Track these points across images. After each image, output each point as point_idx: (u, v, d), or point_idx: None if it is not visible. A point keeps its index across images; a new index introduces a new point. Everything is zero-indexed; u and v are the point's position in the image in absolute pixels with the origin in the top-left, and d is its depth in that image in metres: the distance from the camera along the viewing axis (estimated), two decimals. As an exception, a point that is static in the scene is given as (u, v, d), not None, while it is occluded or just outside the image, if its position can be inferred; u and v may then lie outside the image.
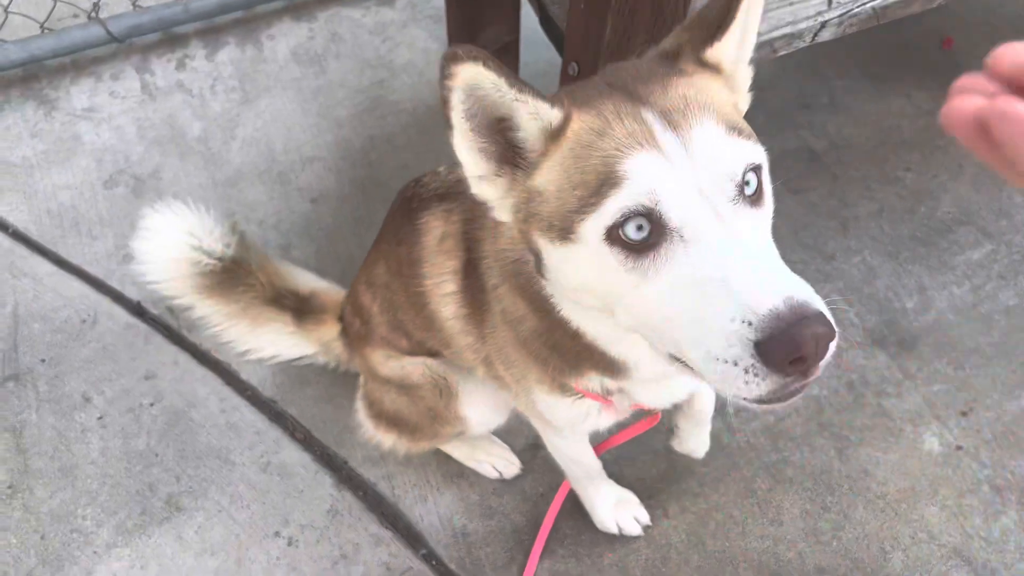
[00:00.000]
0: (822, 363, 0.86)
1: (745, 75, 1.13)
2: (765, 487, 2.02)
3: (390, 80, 2.82)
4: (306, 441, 2.10)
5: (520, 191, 1.03)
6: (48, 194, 2.53)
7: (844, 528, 1.96)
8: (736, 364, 0.85)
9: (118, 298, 2.32)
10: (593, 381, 1.34)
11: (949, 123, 0.68)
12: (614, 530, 1.94)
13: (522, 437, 2.08)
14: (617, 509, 1.95)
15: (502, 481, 2.03)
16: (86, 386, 2.18)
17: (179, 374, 2.19)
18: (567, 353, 1.25)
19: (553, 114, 0.98)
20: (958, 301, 2.30)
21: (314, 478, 2.05)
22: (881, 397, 2.15)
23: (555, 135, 0.99)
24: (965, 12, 2.93)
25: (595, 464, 1.83)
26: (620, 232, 0.91)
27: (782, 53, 1.71)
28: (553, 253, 1.01)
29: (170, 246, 1.93)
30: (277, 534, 1.97)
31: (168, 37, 2.91)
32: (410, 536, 1.97)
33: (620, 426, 1.69)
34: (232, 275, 1.99)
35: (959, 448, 2.07)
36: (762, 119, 2.66)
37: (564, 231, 0.96)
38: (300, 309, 2.06)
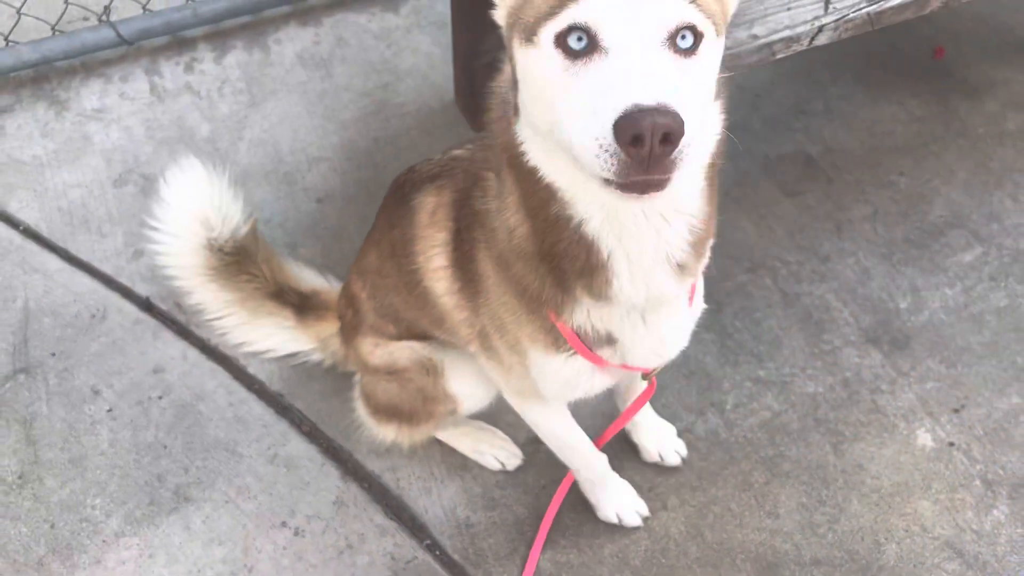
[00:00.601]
0: (669, 161, 0.99)
1: None
2: (762, 481, 2.06)
3: (395, 84, 2.87)
4: (312, 434, 2.14)
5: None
6: (59, 192, 2.57)
7: (839, 521, 2.00)
8: (597, 140, 0.99)
9: (127, 294, 2.36)
10: (581, 312, 1.37)
11: None
12: (614, 520, 1.98)
13: (523, 430, 2.12)
14: (618, 501, 1.99)
15: (504, 473, 2.07)
16: (95, 379, 2.22)
17: (187, 368, 2.23)
18: (553, 255, 1.30)
19: None
20: (950, 302, 2.36)
21: (320, 470, 2.08)
22: (875, 394, 2.20)
23: None
24: (956, 23, 3.01)
25: (587, 443, 1.86)
26: (566, 39, 1.05)
27: (780, 56, 1.77)
28: (522, 60, 1.13)
29: (190, 206, 2.00)
30: (284, 524, 2.01)
31: (177, 40, 2.96)
32: (414, 527, 2.01)
33: (605, 423, 1.73)
34: (237, 262, 2.05)
35: (951, 444, 2.12)
36: (759, 124, 2.74)
37: (530, 33, 1.09)
38: (301, 306, 2.12)
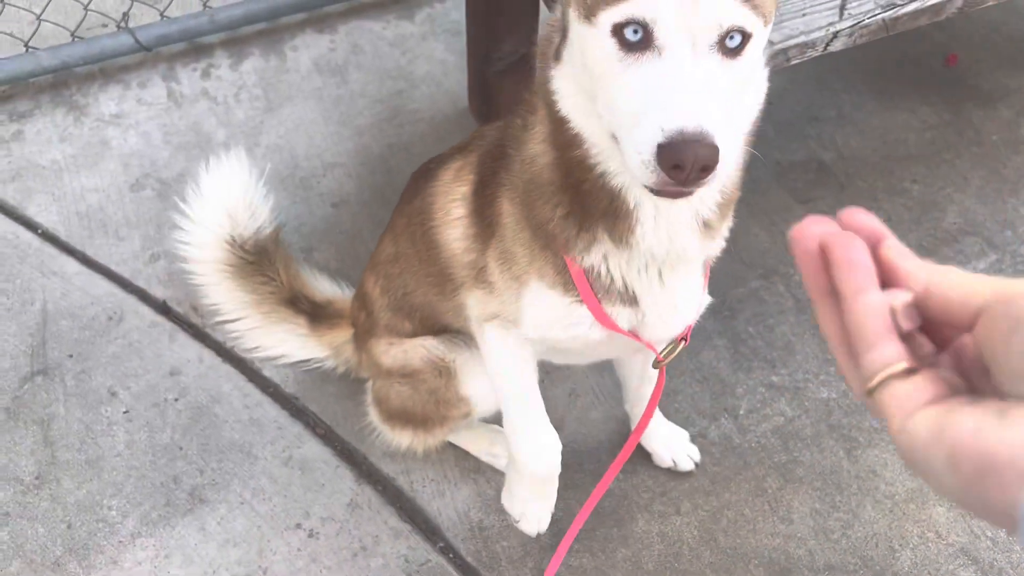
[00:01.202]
0: (702, 182, 1.08)
1: None
2: (775, 486, 2.06)
3: (409, 91, 2.89)
4: (327, 436, 2.15)
5: None
6: (77, 196, 2.60)
7: (853, 527, 2.00)
8: (639, 154, 1.07)
9: (144, 297, 2.38)
10: (597, 253, 1.38)
11: (796, 238, 0.69)
12: (515, 513, 1.83)
13: (538, 435, 2.12)
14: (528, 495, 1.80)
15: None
16: (112, 381, 2.24)
17: (203, 370, 2.25)
18: (574, 191, 1.34)
19: None
20: (964, 308, 2.36)
21: (335, 472, 2.09)
22: (889, 400, 2.19)
23: None
24: (969, 30, 3.01)
25: (534, 390, 1.69)
26: (623, 30, 1.11)
27: (795, 62, 1.78)
28: (577, 28, 1.18)
29: (223, 197, 2.07)
30: (298, 526, 2.02)
31: (194, 47, 2.99)
32: (428, 530, 2.02)
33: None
34: (256, 263, 2.09)
35: (965, 450, 2.11)
36: (771, 131, 2.74)
37: (590, 11, 1.14)
38: (314, 314, 2.14)
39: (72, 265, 2.44)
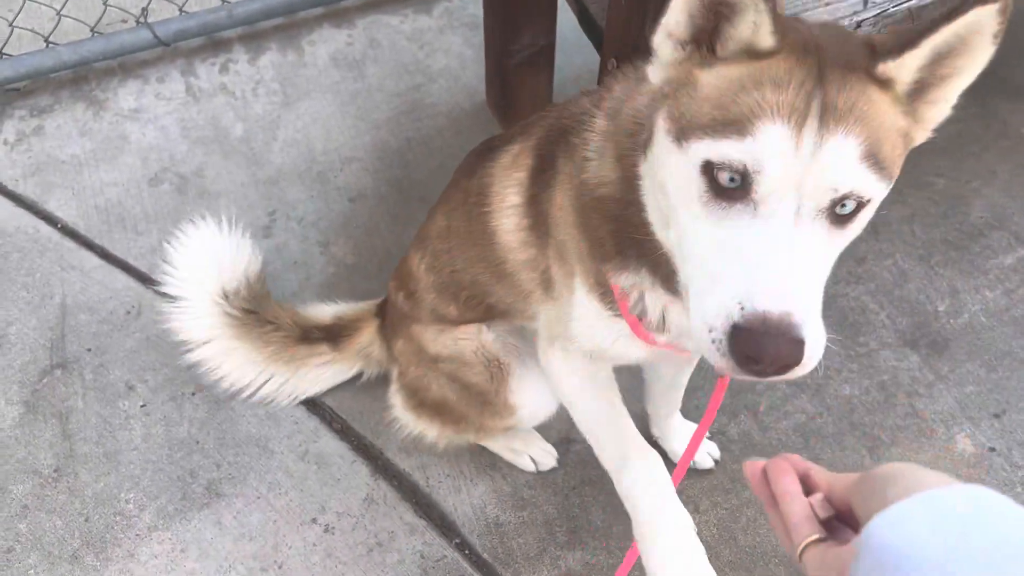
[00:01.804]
0: (781, 377, 0.94)
1: (936, 116, 1.08)
2: (796, 484, 2.03)
3: (427, 85, 2.88)
4: (343, 431, 2.15)
5: (685, 70, 1.06)
6: (96, 191, 2.60)
7: (876, 526, 1.96)
8: (711, 331, 0.94)
9: (162, 291, 2.38)
10: (634, 279, 1.28)
11: (748, 470, 1.02)
12: None
13: (555, 431, 2.11)
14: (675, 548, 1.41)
15: (535, 474, 2.06)
16: (130, 375, 2.24)
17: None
18: (626, 230, 1.23)
19: (768, 39, 1.00)
20: (991, 304, 2.31)
21: (350, 467, 2.09)
22: (913, 398, 2.16)
23: (754, 55, 1.01)
24: (998, 21, 2.95)
25: (617, 407, 1.52)
26: (716, 171, 0.97)
27: (817, 52, 1.74)
28: (663, 142, 1.05)
29: (200, 260, 2.03)
30: (314, 521, 2.01)
31: (212, 41, 2.99)
32: (444, 525, 2.01)
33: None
34: (256, 314, 2.04)
35: (992, 449, 2.07)
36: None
37: (682, 133, 1.01)
38: (332, 336, 2.09)
39: (91, 259, 2.45)
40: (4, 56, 2.82)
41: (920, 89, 1.04)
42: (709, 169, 0.97)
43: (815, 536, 0.85)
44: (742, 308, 0.91)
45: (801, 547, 0.85)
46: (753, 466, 1.00)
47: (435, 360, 1.82)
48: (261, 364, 2.07)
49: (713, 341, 0.93)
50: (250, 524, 2.01)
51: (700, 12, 1.03)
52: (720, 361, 0.94)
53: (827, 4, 1.74)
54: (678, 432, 2.03)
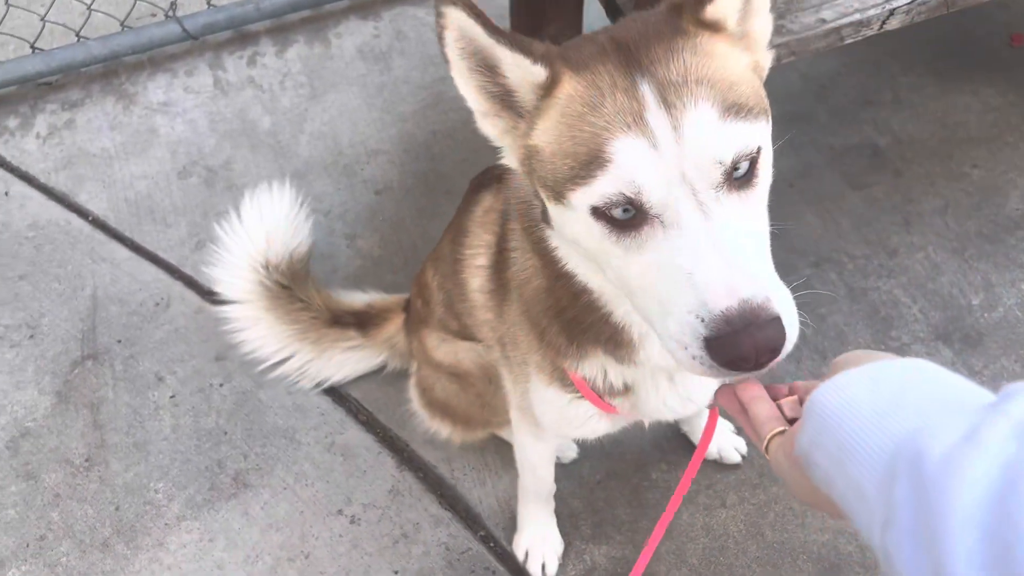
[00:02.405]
0: (771, 363, 0.90)
1: (762, 28, 1.07)
2: (825, 480, 2.00)
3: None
4: (369, 423, 2.15)
5: (522, 146, 1.05)
6: (126, 184, 2.63)
7: (906, 523, 1.93)
8: (687, 348, 0.91)
9: (190, 283, 2.41)
10: (594, 366, 1.28)
11: (720, 395, 1.09)
12: (520, 556, 1.93)
13: (580, 424, 2.10)
14: (537, 542, 1.92)
15: (560, 466, 2.05)
16: (159, 366, 2.27)
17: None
18: (571, 319, 1.22)
19: (536, 71, 1.00)
20: (1027, 298, 2.26)
21: (376, 459, 2.09)
22: (945, 393, 2.12)
23: (545, 92, 1.01)
24: (1035, 8, 2.88)
25: (549, 483, 1.84)
26: (607, 212, 0.94)
27: (849, 41, 1.71)
28: (550, 209, 1.04)
29: (260, 223, 2.07)
30: (340, 512, 2.02)
31: (240, 35, 3.01)
32: (469, 518, 2.01)
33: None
34: (290, 291, 2.07)
35: (1027, 446, 2.03)
36: (824, 115, 2.66)
37: (558, 195, 0.99)
38: (362, 322, 2.11)
39: (121, 251, 2.48)
40: (36, 51, 2.86)
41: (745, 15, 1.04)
42: (600, 212, 0.94)
43: (779, 429, 0.89)
44: (702, 320, 0.88)
45: (767, 440, 0.89)
46: (725, 391, 1.07)
47: (438, 366, 1.86)
48: (285, 339, 2.10)
49: (694, 357, 0.90)
50: (277, 515, 2.02)
51: (486, 80, 1.04)
52: (709, 372, 0.92)
53: (859, -8, 1.71)
54: (703, 425, 2.01)
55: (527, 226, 1.21)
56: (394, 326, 2.09)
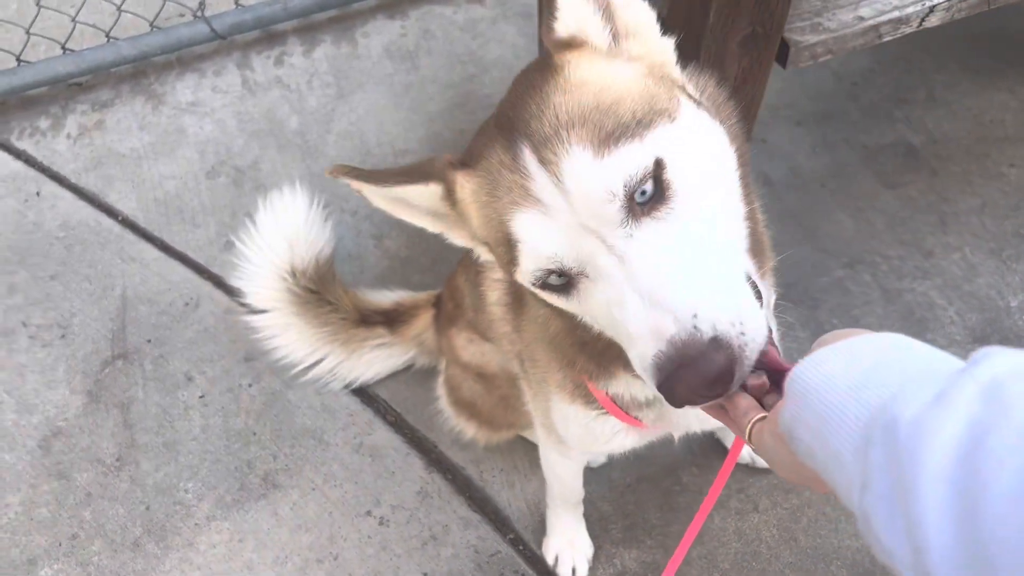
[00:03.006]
0: (731, 385, 0.85)
1: (636, 19, 1.01)
2: (860, 485, 1.97)
3: (480, 76, 2.86)
4: (397, 424, 2.15)
5: (479, 244, 1.09)
6: (155, 183, 2.64)
7: (943, 529, 1.90)
8: (653, 386, 0.86)
9: (219, 283, 2.41)
10: (621, 383, 1.26)
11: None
12: (550, 560, 1.92)
13: (610, 427, 2.08)
14: (567, 547, 1.91)
15: (590, 470, 2.03)
16: (188, 366, 2.27)
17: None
18: (594, 350, 1.20)
19: (431, 190, 1.04)
20: (1067, 300, 2.22)
21: (404, 460, 2.09)
22: (983, 397, 2.08)
23: (452, 200, 1.04)
24: (1074, 4, 2.82)
25: (578, 491, 1.83)
26: (543, 282, 0.95)
27: (887, 38, 1.68)
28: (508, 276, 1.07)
29: (281, 228, 2.06)
30: (369, 513, 2.02)
31: (267, 34, 3.01)
32: (498, 520, 2.00)
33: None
34: (318, 293, 2.07)
35: (1067, 451, 1.98)
36: (857, 114, 2.62)
37: (507, 270, 1.00)
38: (390, 320, 2.12)
39: (150, 251, 2.49)
40: (67, 51, 2.88)
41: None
42: (539, 284, 0.95)
43: (759, 416, 0.88)
44: (652, 364, 0.84)
45: (748, 429, 0.88)
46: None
47: (466, 366, 1.86)
48: (315, 343, 2.10)
49: (661, 394, 0.86)
50: (306, 515, 2.02)
51: (418, 207, 1.09)
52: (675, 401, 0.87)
53: (899, -11, 1.68)
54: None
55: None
56: (422, 322, 2.09)
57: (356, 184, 1.06)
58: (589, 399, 1.33)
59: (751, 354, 0.84)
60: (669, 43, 1.03)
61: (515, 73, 2.83)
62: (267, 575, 1.95)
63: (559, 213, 0.89)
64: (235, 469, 2.10)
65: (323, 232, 2.12)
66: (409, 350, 2.14)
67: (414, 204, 1.08)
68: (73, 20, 2.90)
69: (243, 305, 2.14)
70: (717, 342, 0.81)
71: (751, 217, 1.01)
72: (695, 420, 1.35)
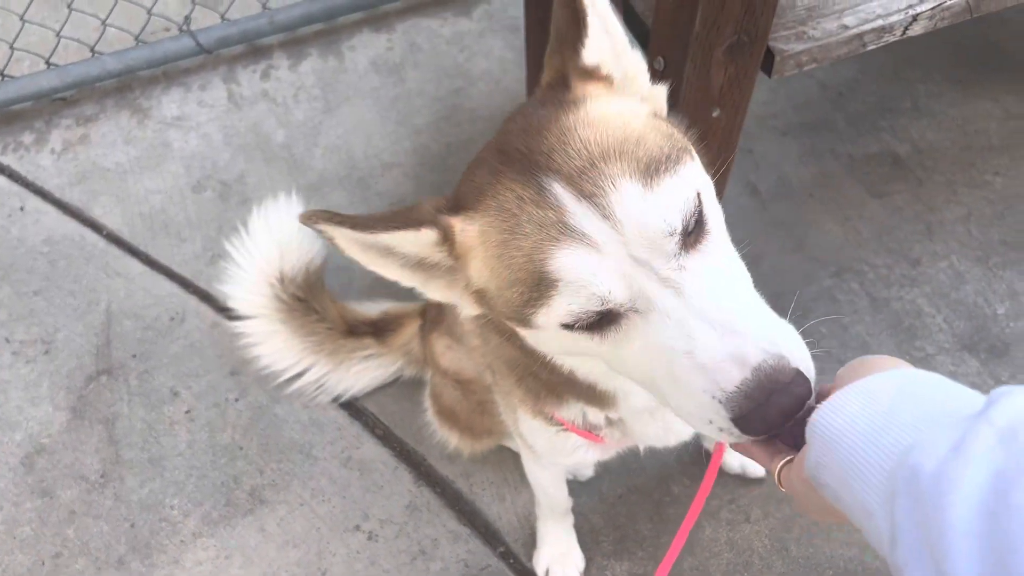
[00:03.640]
0: (800, 415, 0.84)
1: (635, 65, 1.03)
2: (851, 494, 1.97)
3: (467, 88, 2.86)
4: (385, 437, 2.13)
5: (470, 294, 1.02)
6: (140, 198, 2.62)
7: (935, 537, 1.89)
8: (711, 423, 0.86)
9: (205, 297, 2.39)
10: (574, 410, 1.26)
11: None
12: (540, 573, 1.90)
13: (600, 438, 2.07)
14: (557, 559, 1.89)
15: (580, 482, 2.02)
16: (174, 381, 2.25)
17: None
18: (546, 381, 1.19)
19: (424, 235, 0.97)
20: (1053, 307, 2.22)
21: (393, 474, 2.07)
22: (972, 404, 2.08)
23: (448, 246, 0.97)
24: (1055, 14, 2.85)
25: (564, 501, 1.82)
26: (575, 323, 0.89)
27: (871, 47, 1.68)
28: (521, 331, 1.00)
29: (272, 236, 2.04)
30: (357, 528, 2.00)
31: (253, 48, 3.01)
32: (488, 534, 1.98)
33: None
34: (305, 302, 2.05)
35: (1057, 458, 1.98)
36: (842, 123, 2.64)
37: (523, 320, 0.94)
38: (378, 330, 2.10)
39: (136, 266, 2.47)
40: (51, 66, 2.86)
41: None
42: (571, 325, 0.89)
43: (787, 458, 0.88)
44: (724, 404, 0.82)
45: (776, 472, 0.89)
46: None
47: (444, 372, 1.85)
48: (301, 352, 2.08)
49: (721, 430, 0.85)
50: (294, 531, 2.00)
51: (400, 259, 1.02)
52: (743, 440, 0.87)
53: (881, -2, 1.68)
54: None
55: (502, 337, 1.15)
56: (410, 331, 2.08)
57: (331, 231, 0.97)
58: (548, 417, 1.33)
59: (814, 387, 0.85)
60: (662, 90, 1.05)
61: (502, 86, 2.85)
62: (254, 592, 1.92)
63: (608, 251, 0.85)
64: (221, 485, 2.08)
65: (315, 242, 2.10)
66: (396, 360, 2.13)
67: (398, 252, 1.01)
68: (58, 35, 2.89)
69: (228, 311, 2.12)
70: (797, 371, 0.82)
71: None
72: (655, 437, 1.35)
